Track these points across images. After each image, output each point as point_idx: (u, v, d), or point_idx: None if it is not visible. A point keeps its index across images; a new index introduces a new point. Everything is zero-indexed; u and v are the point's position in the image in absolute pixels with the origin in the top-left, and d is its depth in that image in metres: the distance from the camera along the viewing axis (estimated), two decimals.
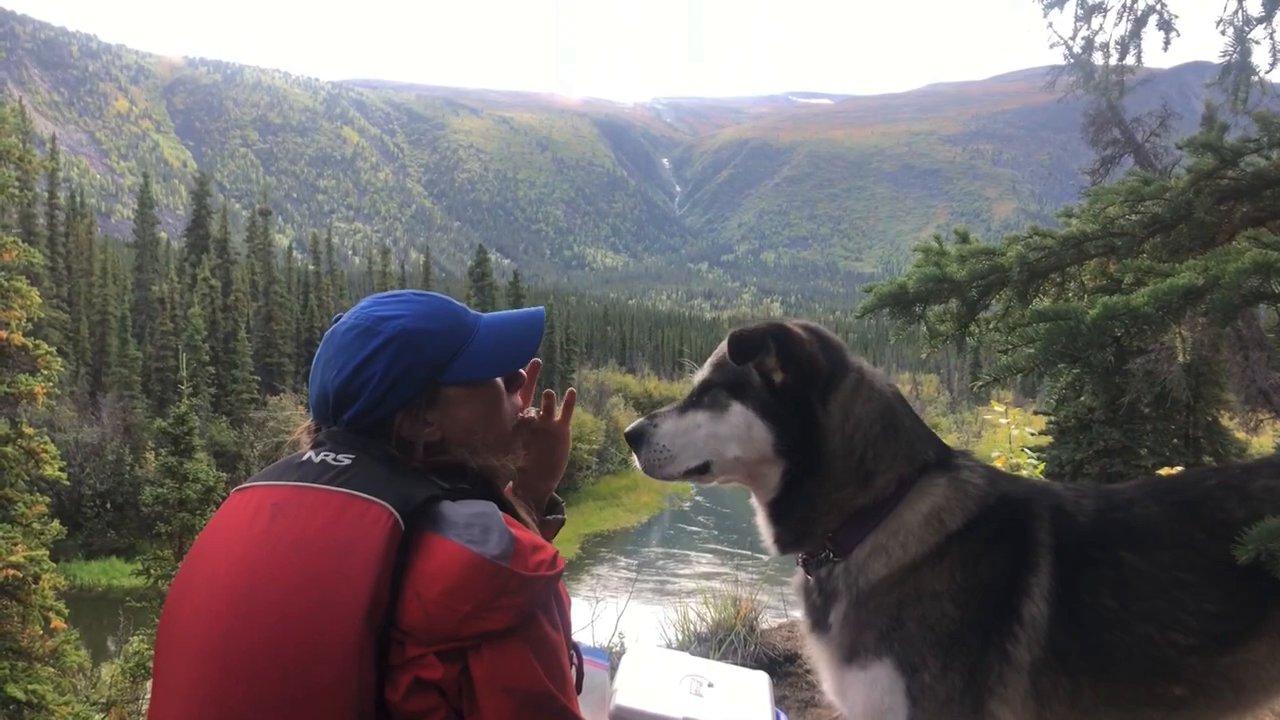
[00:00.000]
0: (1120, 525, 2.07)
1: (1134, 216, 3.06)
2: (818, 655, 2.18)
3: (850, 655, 2.07)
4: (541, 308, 2.06)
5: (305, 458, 1.79)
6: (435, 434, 1.87)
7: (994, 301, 3.22)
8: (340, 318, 1.94)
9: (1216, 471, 2.28)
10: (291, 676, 1.59)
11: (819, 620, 2.15)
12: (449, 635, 1.61)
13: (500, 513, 1.72)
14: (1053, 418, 21.94)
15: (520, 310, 2.02)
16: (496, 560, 1.63)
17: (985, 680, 1.96)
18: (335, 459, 1.77)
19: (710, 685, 2.52)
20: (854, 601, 2.08)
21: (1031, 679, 1.98)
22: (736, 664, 2.81)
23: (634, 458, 2.22)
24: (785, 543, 2.19)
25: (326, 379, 1.86)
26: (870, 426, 2.12)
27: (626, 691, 2.37)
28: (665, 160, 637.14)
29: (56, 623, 11.07)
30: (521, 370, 2.02)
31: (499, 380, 1.97)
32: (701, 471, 2.18)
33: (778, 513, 2.17)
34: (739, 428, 2.13)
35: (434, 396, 1.87)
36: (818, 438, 2.10)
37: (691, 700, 2.40)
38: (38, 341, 11.72)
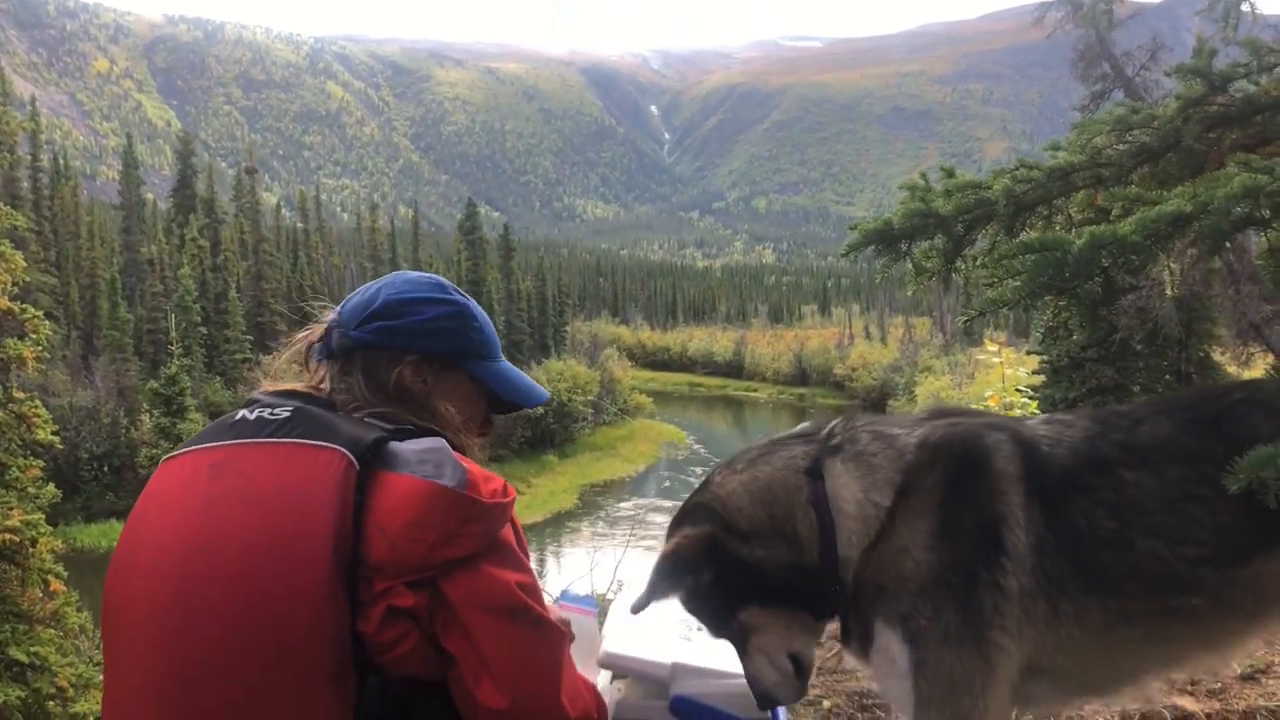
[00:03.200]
0: (1119, 446, 2.05)
1: (1121, 146, 3.01)
2: (859, 662, 2.20)
3: (864, 643, 2.10)
4: (547, 394, 2.17)
5: (238, 416, 1.80)
6: (423, 391, 1.92)
7: (981, 237, 3.18)
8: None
9: (1241, 387, 2.26)
10: (264, 630, 1.58)
11: (848, 632, 2.17)
12: (417, 566, 1.63)
13: (449, 446, 1.74)
14: (1045, 357, 21.94)
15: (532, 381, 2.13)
16: (456, 489, 1.65)
17: (981, 613, 1.96)
18: (272, 413, 1.77)
19: (700, 630, 2.51)
20: (852, 600, 2.11)
21: (1025, 606, 1.98)
22: None
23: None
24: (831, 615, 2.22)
25: (382, 292, 1.95)
26: (759, 518, 2.14)
27: (614, 638, 2.35)
28: (653, 108, 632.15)
29: (56, 585, 11.08)
30: (491, 422, 2.12)
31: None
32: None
33: (826, 615, 2.20)
34: (758, 625, 2.16)
35: (449, 367, 1.96)
36: (764, 569, 2.12)
37: (680, 646, 2.39)
38: (24, 305, 11.60)
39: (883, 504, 2.08)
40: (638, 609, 2.19)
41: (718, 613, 2.18)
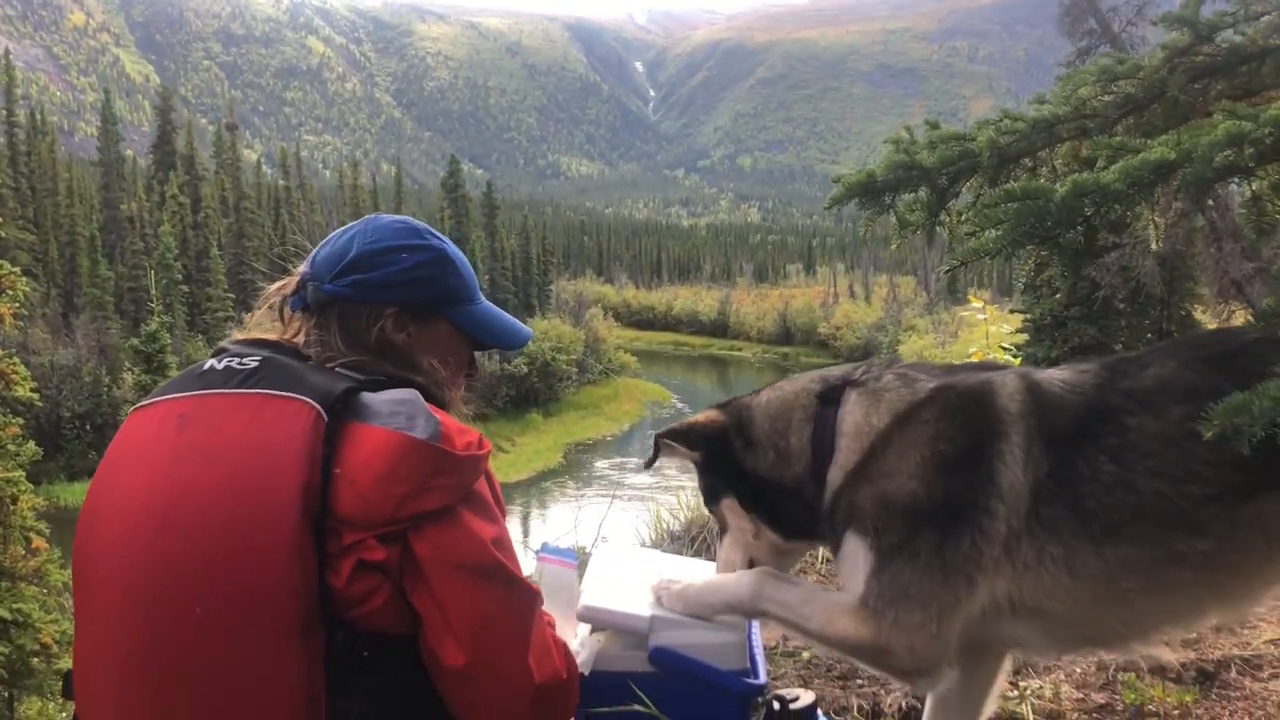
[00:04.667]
0: (1124, 393, 2.03)
1: (1107, 97, 2.97)
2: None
3: (834, 552, 2.12)
4: (530, 333, 2.17)
5: (206, 366, 1.77)
6: (406, 344, 1.89)
7: (965, 190, 3.15)
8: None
9: (1261, 328, 2.24)
10: (232, 582, 1.56)
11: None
12: (387, 519, 1.60)
13: (422, 398, 1.71)
14: (1028, 316, 22.00)
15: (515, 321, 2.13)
16: (428, 442, 1.62)
17: (958, 548, 1.95)
18: (241, 363, 1.74)
19: (683, 580, 2.50)
20: (826, 518, 2.13)
21: (1008, 546, 1.96)
22: (710, 560, 2.81)
23: None
24: (824, 540, 2.27)
25: (355, 242, 1.89)
26: (764, 431, 2.25)
27: (593, 590, 2.35)
28: (638, 64, 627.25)
29: (38, 542, 11.08)
30: (476, 364, 2.10)
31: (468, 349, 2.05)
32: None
33: (795, 535, 2.28)
34: (731, 519, 2.31)
35: (428, 315, 1.94)
36: (748, 471, 2.24)
37: None
38: (1, 262, 11.50)
39: (876, 425, 2.09)
40: (649, 465, 2.46)
41: (709, 490, 2.35)
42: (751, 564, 2.28)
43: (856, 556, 2.02)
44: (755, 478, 2.23)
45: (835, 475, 2.11)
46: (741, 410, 2.30)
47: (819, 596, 2.13)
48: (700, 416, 2.35)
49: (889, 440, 2.06)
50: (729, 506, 2.28)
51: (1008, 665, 2.37)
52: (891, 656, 2.01)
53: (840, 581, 2.12)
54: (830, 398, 2.19)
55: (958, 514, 1.97)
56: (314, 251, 1.95)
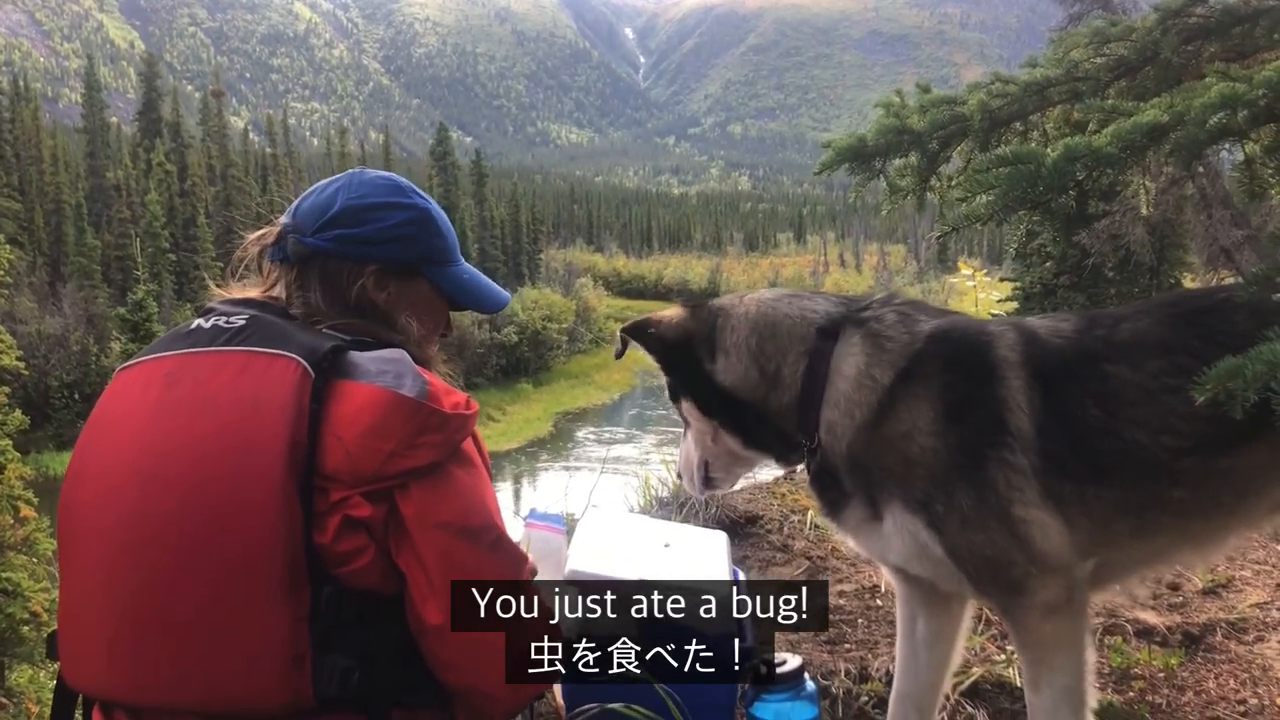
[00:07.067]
0: (1103, 341, 2.08)
1: (1099, 60, 2.95)
2: (848, 534, 2.24)
3: (869, 516, 2.12)
4: (509, 296, 2.16)
5: (194, 326, 1.76)
6: (387, 302, 1.88)
7: (956, 155, 3.13)
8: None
9: (1229, 289, 2.26)
10: (217, 534, 1.56)
11: (834, 503, 2.19)
12: (374, 476, 1.60)
13: (409, 357, 1.71)
14: (1018, 284, 22.01)
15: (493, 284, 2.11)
16: (415, 399, 1.62)
17: (998, 490, 1.97)
18: (228, 322, 1.73)
19: (667, 546, 2.51)
20: (847, 472, 2.12)
21: (1041, 482, 1.99)
22: (697, 527, 2.81)
23: None
24: (783, 460, 2.29)
25: (339, 196, 1.87)
26: (745, 343, 2.21)
27: (580, 555, 2.35)
28: (629, 30, 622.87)
29: (26, 511, 11.05)
30: (451, 323, 2.09)
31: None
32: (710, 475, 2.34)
33: (754, 448, 2.27)
34: (691, 420, 2.28)
35: (410, 276, 1.93)
36: (718, 383, 2.21)
37: (647, 561, 2.39)
38: None
39: (881, 380, 2.08)
40: (617, 355, 2.38)
41: (670, 388, 2.32)
42: (708, 464, 2.30)
43: (920, 538, 2.02)
44: (722, 390, 2.21)
45: (841, 422, 2.10)
46: (716, 315, 2.26)
47: (1034, 674, 2.08)
48: (665, 313, 2.30)
49: (896, 397, 2.07)
50: (688, 408, 2.27)
51: (971, 614, 2.40)
52: (1063, 604, 2.01)
53: (907, 560, 2.11)
54: (830, 332, 2.17)
55: (983, 462, 1.99)
56: (296, 202, 1.92)
